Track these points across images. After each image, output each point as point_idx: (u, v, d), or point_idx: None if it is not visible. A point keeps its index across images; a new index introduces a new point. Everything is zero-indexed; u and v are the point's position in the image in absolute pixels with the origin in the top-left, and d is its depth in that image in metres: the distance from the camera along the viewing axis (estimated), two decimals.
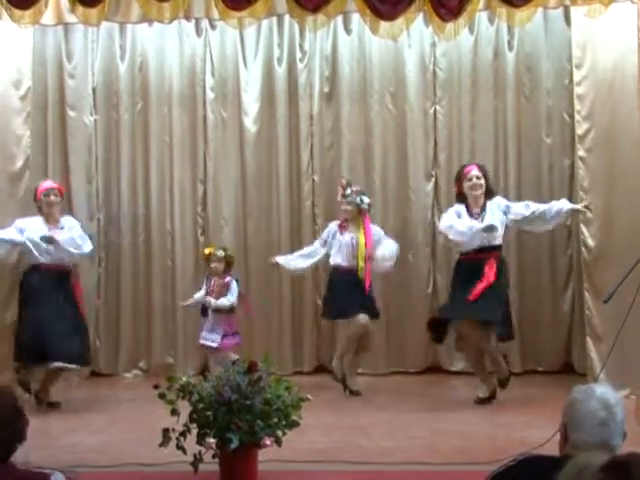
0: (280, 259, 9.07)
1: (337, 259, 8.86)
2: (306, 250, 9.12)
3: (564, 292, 9.72)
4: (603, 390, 3.21)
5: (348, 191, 8.85)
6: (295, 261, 9.07)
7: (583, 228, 8.49)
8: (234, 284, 8.77)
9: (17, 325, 8.44)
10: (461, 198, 8.46)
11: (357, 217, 8.84)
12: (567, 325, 9.69)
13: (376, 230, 8.95)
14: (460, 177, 8.46)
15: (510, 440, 6.57)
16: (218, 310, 8.68)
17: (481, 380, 8.40)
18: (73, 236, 8.46)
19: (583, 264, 8.58)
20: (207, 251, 8.91)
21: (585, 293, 8.53)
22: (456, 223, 8.31)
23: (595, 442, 3.10)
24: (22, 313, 8.38)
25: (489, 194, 8.45)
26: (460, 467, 6.10)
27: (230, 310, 8.75)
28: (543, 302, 9.71)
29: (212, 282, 8.78)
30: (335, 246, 8.86)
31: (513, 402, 8.36)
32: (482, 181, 8.39)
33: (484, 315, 8.08)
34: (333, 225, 9.00)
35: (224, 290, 8.74)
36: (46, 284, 8.29)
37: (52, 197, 8.43)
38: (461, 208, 8.41)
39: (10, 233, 8.33)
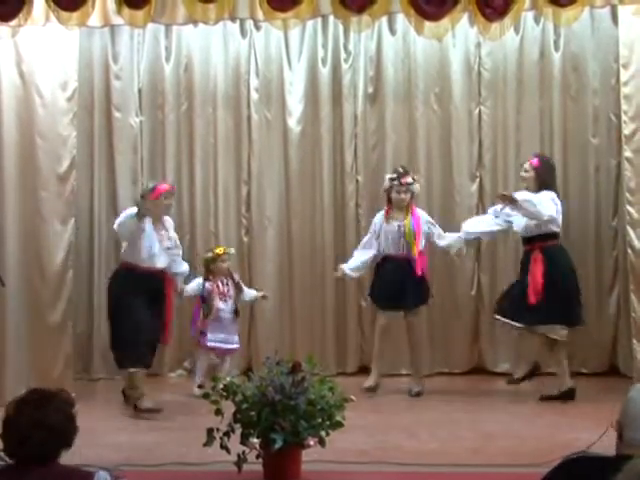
0: (345, 267, 9.09)
1: (384, 248, 8.90)
2: (361, 244, 9.13)
3: (609, 294, 9.65)
4: None
5: (410, 179, 8.89)
6: (356, 260, 9.08)
7: (629, 229, 8.42)
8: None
9: (126, 328, 8.09)
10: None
11: (405, 205, 8.88)
12: (613, 327, 9.62)
13: (422, 213, 9.04)
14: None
15: (555, 442, 6.54)
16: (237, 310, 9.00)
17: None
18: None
19: (629, 266, 8.52)
20: (219, 251, 9.00)
21: (631, 295, 8.47)
22: None
23: None
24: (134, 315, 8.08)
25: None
26: (505, 469, 6.08)
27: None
28: (588, 304, 9.61)
29: (223, 282, 8.91)
30: (382, 236, 8.88)
31: (558, 404, 8.32)
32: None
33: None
34: (379, 216, 9.01)
35: (237, 289, 9.04)
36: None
37: (171, 200, 8.59)
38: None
39: None
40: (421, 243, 8.86)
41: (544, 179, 8.63)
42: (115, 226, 8.46)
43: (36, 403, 3.45)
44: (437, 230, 9.05)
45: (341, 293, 9.92)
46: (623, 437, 3.15)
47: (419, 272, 8.79)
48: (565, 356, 8.65)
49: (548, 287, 8.36)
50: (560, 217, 8.63)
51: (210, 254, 9.09)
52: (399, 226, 8.83)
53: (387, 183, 8.95)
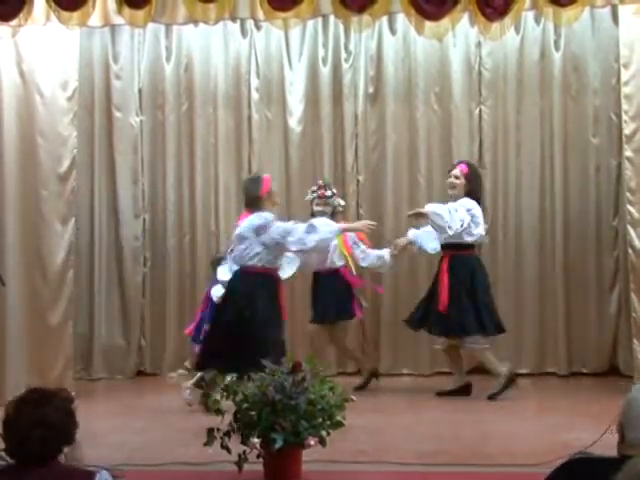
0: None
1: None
2: None
3: (610, 293, 9.64)
4: None
5: (329, 192, 8.92)
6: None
7: (630, 229, 8.42)
8: None
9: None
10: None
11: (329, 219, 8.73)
12: (613, 327, 9.61)
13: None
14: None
15: (555, 442, 6.51)
16: None
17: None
18: None
19: (630, 266, 8.52)
20: None
21: (632, 295, 8.47)
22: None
23: None
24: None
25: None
26: (504, 469, 6.07)
27: None
28: (589, 303, 9.65)
29: None
30: None
31: (558, 404, 8.32)
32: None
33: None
34: None
35: None
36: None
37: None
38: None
39: None
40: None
41: (472, 186, 8.60)
42: (312, 244, 7.66)
43: (36, 402, 3.45)
44: (359, 250, 9.00)
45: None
46: (625, 438, 3.15)
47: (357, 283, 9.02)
48: (460, 356, 8.81)
49: (452, 297, 8.36)
50: (480, 227, 8.52)
51: None
52: None
53: (309, 196, 8.98)
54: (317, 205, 8.89)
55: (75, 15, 8.06)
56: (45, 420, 3.39)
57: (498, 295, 9.71)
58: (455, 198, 8.54)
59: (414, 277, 9.80)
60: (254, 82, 10.03)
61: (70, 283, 8.85)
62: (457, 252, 8.49)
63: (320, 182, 9.05)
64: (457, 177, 8.59)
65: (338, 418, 5.92)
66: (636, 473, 2.58)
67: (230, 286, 7.76)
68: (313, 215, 8.81)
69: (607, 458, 3.18)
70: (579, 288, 9.66)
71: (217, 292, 8.06)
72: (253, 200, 7.72)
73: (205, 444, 5.80)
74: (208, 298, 8.31)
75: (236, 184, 10.00)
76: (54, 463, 3.42)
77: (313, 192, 8.96)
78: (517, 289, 9.79)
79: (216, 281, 8.19)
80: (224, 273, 8.04)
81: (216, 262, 8.48)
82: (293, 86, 10.03)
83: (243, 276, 7.67)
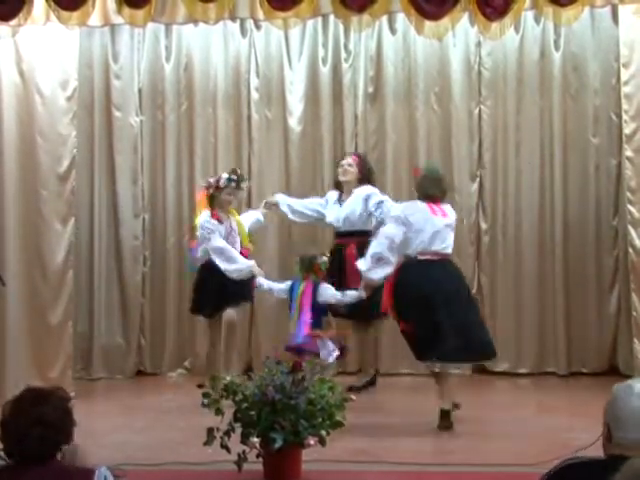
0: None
1: None
2: None
3: (610, 293, 9.64)
4: None
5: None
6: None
7: (630, 229, 8.42)
8: None
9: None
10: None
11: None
12: (613, 327, 9.61)
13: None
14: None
15: (553, 442, 6.53)
16: None
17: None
18: None
19: (630, 265, 8.52)
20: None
21: (632, 294, 8.48)
22: None
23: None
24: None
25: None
26: (504, 469, 6.08)
27: None
28: (588, 303, 9.65)
29: None
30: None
31: (557, 404, 8.33)
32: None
33: None
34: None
35: None
36: None
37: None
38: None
39: None
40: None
41: (364, 174, 8.88)
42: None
43: (33, 401, 3.46)
44: None
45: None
46: (612, 437, 3.16)
47: None
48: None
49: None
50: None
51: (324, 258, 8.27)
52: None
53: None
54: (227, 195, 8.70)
55: (75, 15, 8.06)
56: (43, 419, 3.40)
57: (497, 294, 9.75)
58: (350, 186, 8.83)
59: None
60: (254, 82, 10.04)
61: (70, 282, 8.85)
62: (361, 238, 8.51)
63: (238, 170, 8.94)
64: (350, 165, 8.88)
65: (338, 418, 5.93)
66: (633, 472, 2.59)
67: None
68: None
69: (597, 459, 3.19)
70: (579, 288, 9.67)
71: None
72: None
73: (205, 444, 5.81)
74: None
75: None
76: (53, 462, 3.43)
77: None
78: (516, 289, 9.78)
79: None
80: None
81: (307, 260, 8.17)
82: (293, 86, 10.04)
83: None
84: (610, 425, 3.18)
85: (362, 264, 7.55)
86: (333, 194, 9.05)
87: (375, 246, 7.47)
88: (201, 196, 8.74)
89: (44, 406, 3.44)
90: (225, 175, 8.63)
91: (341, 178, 8.92)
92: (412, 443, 6.91)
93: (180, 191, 10.12)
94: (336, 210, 8.91)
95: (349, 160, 8.92)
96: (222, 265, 8.38)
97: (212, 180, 8.65)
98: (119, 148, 10.06)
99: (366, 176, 8.90)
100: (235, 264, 8.39)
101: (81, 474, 3.44)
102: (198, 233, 8.56)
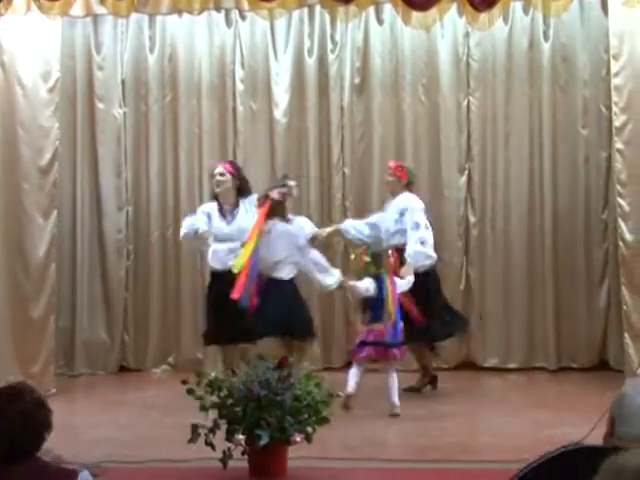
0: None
1: None
2: None
3: (600, 287, 9.64)
4: None
5: None
6: None
7: (620, 222, 8.42)
8: None
9: None
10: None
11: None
12: (603, 321, 9.60)
13: None
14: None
15: (543, 438, 6.52)
16: None
17: None
18: None
19: (620, 259, 8.52)
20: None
21: (622, 288, 8.47)
22: None
23: None
24: None
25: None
26: (494, 465, 6.07)
27: None
28: (578, 297, 9.64)
29: None
30: None
31: (547, 399, 8.33)
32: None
33: None
34: None
35: None
36: None
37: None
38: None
39: None
40: None
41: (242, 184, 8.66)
42: None
43: (10, 398, 3.45)
44: None
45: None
46: (615, 432, 3.16)
47: None
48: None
49: None
50: None
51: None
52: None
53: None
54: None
55: (57, 4, 8.01)
56: (25, 413, 3.39)
57: (486, 288, 9.74)
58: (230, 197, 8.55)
59: None
60: (239, 73, 9.99)
61: (52, 276, 8.80)
62: None
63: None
64: (222, 174, 8.58)
65: (324, 414, 5.91)
66: (615, 470, 2.57)
67: None
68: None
69: (596, 447, 3.19)
70: (568, 282, 9.66)
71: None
72: None
73: (189, 441, 5.78)
74: None
75: None
76: (36, 460, 3.40)
77: None
78: (505, 282, 9.77)
79: None
80: None
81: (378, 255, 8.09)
82: (278, 77, 10.00)
83: None
84: (615, 420, 3.18)
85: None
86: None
87: None
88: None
89: (22, 401, 3.43)
90: (293, 183, 8.54)
91: (216, 190, 8.64)
92: (400, 439, 6.90)
93: (164, 183, 10.07)
94: None
95: (221, 170, 8.61)
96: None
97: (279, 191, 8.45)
98: (102, 140, 10.01)
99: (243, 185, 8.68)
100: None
101: (63, 475, 3.41)
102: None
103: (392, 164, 8.75)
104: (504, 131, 9.81)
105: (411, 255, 8.18)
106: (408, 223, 8.34)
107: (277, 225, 8.33)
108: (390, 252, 8.06)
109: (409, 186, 8.62)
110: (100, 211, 10.04)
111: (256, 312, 8.08)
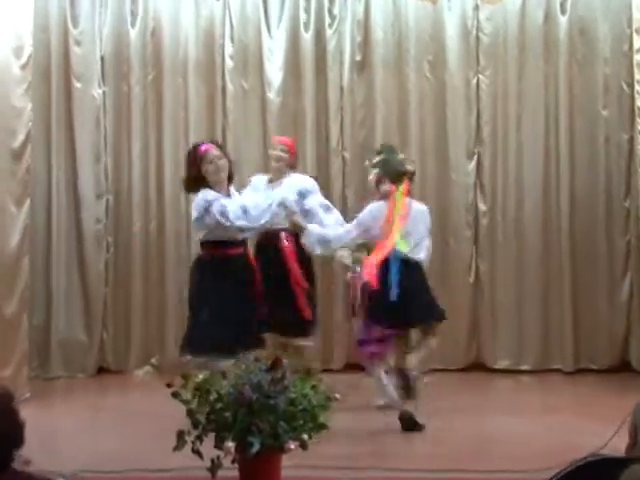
0: None
1: None
2: None
3: (622, 281, 9.64)
4: None
5: None
6: None
7: None
8: None
9: None
10: None
11: None
12: (625, 318, 9.60)
13: None
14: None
15: (559, 445, 6.54)
16: None
17: None
18: None
19: None
20: None
21: None
22: None
23: None
24: None
25: None
26: (506, 475, 6.08)
27: None
28: (598, 292, 9.64)
29: None
30: None
31: (564, 404, 8.33)
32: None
33: None
34: None
35: None
36: None
37: None
38: None
39: None
40: None
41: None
42: None
43: None
44: None
45: (326, 287, 9.88)
46: (638, 442, 3.15)
47: None
48: None
49: None
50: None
51: None
52: None
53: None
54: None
55: None
56: None
57: (497, 282, 9.74)
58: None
59: None
60: (228, 49, 9.99)
61: (25, 270, 8.78)
62: None
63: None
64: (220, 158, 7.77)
65: (321, 420, 5.90)
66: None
67: None
68: None
69: (619, 459, 3.19)
70: (587, 271, 9.65)
71: None
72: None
73: (174, 449, 5.77)
74: None
75: None
76: (9, 471, 3.39)
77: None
78: (518, 276, 9.78)
79: None
80: None
81: None
82: (272, 53, 9.99)
83: None
84: (638, 428, 3.18)
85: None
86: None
87: None
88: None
89: None
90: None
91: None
92: (404, 447, 6.90)
93: (147, 170, 10.06)
94: None
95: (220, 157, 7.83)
96: None
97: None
98: (80, 122, 9.99)
99: None
100: None
101: None
102: None
103: (284, 139, 8.50)
104: (517, 111, 9.81)
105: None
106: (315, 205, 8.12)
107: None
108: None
109: (295, 166, 8.46)
110: (77, 199, 10.03)
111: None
